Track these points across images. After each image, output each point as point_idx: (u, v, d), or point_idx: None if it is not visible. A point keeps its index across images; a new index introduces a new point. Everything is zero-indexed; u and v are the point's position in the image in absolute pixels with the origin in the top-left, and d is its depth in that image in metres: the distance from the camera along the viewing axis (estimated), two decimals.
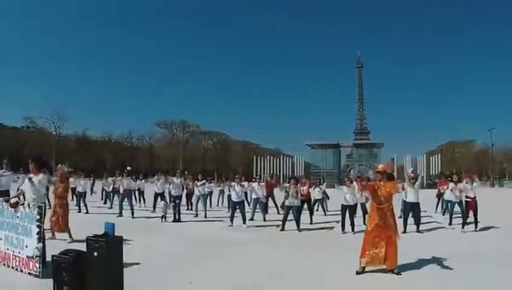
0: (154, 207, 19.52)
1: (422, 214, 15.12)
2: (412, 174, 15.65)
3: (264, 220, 16.97)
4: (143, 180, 24.69)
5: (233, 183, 15.93)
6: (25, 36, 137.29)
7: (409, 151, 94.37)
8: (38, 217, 7.34)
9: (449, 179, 17.31)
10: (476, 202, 14.61)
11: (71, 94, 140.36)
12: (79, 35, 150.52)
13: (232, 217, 15.36)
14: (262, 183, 19.02)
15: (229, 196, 17.42)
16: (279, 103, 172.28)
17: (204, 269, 8.44)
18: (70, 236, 11.04)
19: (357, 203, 14.62)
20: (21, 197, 8.69)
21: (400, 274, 7.95)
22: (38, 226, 7.31)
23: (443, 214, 18.41)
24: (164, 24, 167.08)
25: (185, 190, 19.83)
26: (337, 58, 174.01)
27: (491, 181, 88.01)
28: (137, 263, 8.35)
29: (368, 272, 8.11)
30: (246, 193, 17.81)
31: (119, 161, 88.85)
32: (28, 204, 7.69)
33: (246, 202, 17.21)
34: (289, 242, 12.29)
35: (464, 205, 14.94)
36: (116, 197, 20.32)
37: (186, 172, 20.22)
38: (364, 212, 14.60)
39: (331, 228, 15.16)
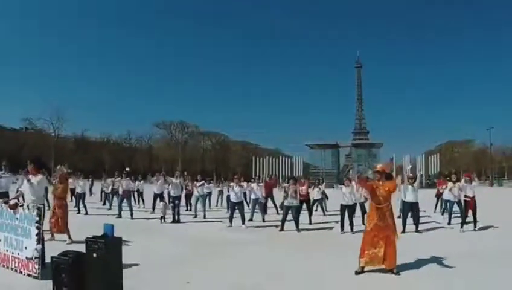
0: (154, 208, 19.53)
1: (421, 214, 15.14)
2: (411, 174, 15.68)
3: (263, 220, 16.97)
4: (142, 181, 24.67)
5: (232, 184, 15.94)
6: (24, 36, 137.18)
7: (408, 151, 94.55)
8: (37, 218, 7.34)
9: (448, 178, 17.35)
10: (475, 202, 14.62)
11: (70, 95, 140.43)
12: (79, 35, 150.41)
13: (231, 218, 15.36)
14: (261, 184, 19.02)
15: (228, 197, 17.42)
16: (278, 103, 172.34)
17: (203, 270, 8.45)
18: (70, 237, 11.03)
19: (356, 203, 14.64)
20: (20, 198, 8.69)
21: (399, 274, 7.96)
22: (37, 227, 7.31)
23: (442, 214, 18.44)
24: (164, 24, 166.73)
25: (184, 191, 19.85)
26: (336, 58, 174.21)
27: (490, 180, 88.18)
28: (137, 264, 8.36)
29: (367, 272, 8.12)
30: (244, 194, 17.80)
31: (118, 162, 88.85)
32: (27, 205, 7.70)
33: (245, 202, 17.21)
34: (288, 242, 12.30)
35: (462, 204, 14.96)
36: (115, 198, 20.31)
37: (185, 173, 20.22)
38: (363, 212, 14.63)
39: (330, 228, 15.17)
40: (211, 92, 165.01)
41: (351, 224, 13.78)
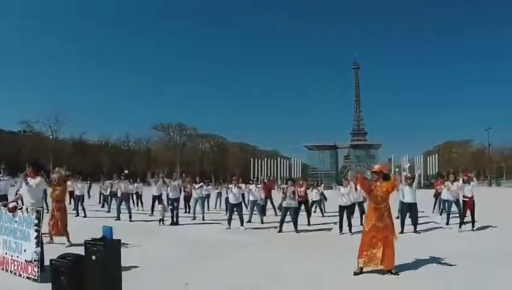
0: (152, 210, 19.52)
1: (419, 214, 15.15)
2: (409, 174, 15.70)
3: (262, 222, 16.97)
4: (141, 184, 24.67)
5: (230, 186, 15.96)
6: (24, 36, 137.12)
7: (406, 151, 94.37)
8: (36, 221, 7.35)
9: (446, 178, 17.38)
10: (474, 202, 14.66)
11: (68, 97, 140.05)
12: (79, 35, 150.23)
13: (229, 220, 15.38)
14: (259, 185, 19.05)
15: (227, 199, 17.45)
16: (276, 104, 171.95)
17: (202, 272, 8.46)
18: (69, 240, 11.02)
19: (354, 204, 14.67)
20: (19, 201, 8.70)
21: (398, 274, 7.98)
22: (36, 230, 7.32)
23: (440, 214, 18.46)
24: (164, 24, 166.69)
25: (182, 193, 19.86)
26: (334, 59, 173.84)
27: (489, 180, 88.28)
28: (136, 267, 8.36)
29: (365, 272, 8.14)
30: (243, 195, 17.82)
31: (117, 165, 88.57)
32: (26, 209, 7.70)
33: (243, 204, 17.22)
34: (287, 244, 12.32)
35: (460, 204, 15.01)
36: (113, 201, 20.30)
37: (184, 175, 20.24)
38: (362, 212, 14.63)
39: (329, 229, 15.18)
40: (208, 93, 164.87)
41: (350, 225, 13.81)
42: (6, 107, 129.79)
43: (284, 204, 14.61)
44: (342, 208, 13.98)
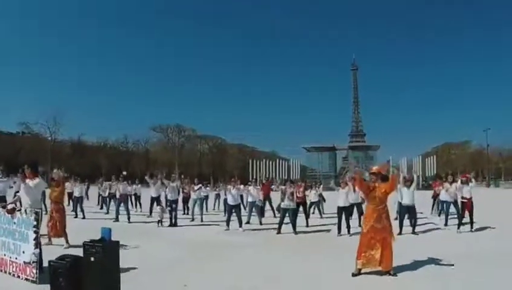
0: (151, 212, 19.52)
1: (418, 215, 15.13)
2: (408, 175, 15.72)
3: (260, 223, 16.98)
4: (139, 185, 24.64)
5: (229, 187, 15.96)
6: (24, 37, 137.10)
7: (405, 153, 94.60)
8: (35, 222, 7.34)
9: (444, 180, 17.40)
10: (472, 203, 14.68)
11: (67, 97, 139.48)
12: (78, 35, 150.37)
13: (228, 221, 15.38)
14: (258, 187, 19.06)
15: (225, 200, 17.47)
16: (274, 105, 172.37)
17: (200, 273, 8.46)
18: (67, 241, 11.01)
19: (353, 205, 14.68)
20: (18, 203, 8.69)
21: (396, 275, 7.99)
22: (35, 232, 7.31)
23: (439, 215, 18.46)
24: (164, 24, 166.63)
25: (181, 194, 19.87)
26: (333, 60, 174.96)
27: (487, 182, 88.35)
28: (134, 268, 8.36)
29: (363, 274, 8.15)
30: (241, 197, 17.82)
31: (115, 166, 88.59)
32: (25, 210, 7.70)
33: (242, 205, 17.22)
34: (285, 245, 12.32)
35: (459, 205, 15.04)
36: (112, 202, 20.30)
37: (182, 176, 20.22)
38: (361, 213, 14.64)
39: (327, 230, 15.17)
40: (207, 94, 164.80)
41: (348, 226, 13.82)
42: (5, 108, 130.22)
43: (283, 205, 14.62)
44: (340, 209, 13.99)
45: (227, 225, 15.31)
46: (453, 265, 8.99)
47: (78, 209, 19.32)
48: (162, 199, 18.90)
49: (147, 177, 18.89)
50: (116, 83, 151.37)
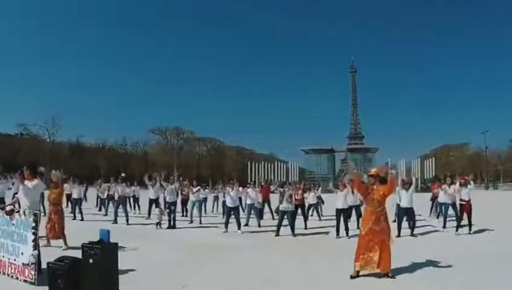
0: (149, 214, 19.52)
1: (416, 217, 15.13)
2: (406, 178, 15.73)
3: (259, 225, 16.97)
4: (138, 187, 24.62)
5: (228, 188, 15.96)
6: (23, 37, 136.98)
7: (403, 155, 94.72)
8: (33, 224, 7.35)
9: (442, 182, 17.43)
10: (471, 205, 14.69)
11: (66, 99, 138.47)
12: (78, 35, 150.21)
13: (226, 223, 15.37)
14: (256, 189, 19.06)
15: (224, 202, 17.46)
16: (273, 107, 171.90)
17: (199, 275, 8.47)
18: (66, 243, 11.02)
19: (351, 207, 14.69)
20: (16, 204, 8.70)
21: (395, 278, 8.00)
22: (34, 233, 7.31)
23: (437, 218, 18.46)
24: (164, 25, 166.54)
25: (179, 196, 19.86)
26: (333, 61, 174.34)
27: (485, 184, 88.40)
28: (133, 270, 8.37)
29: (362, 276, 8.16)
30: (240, 199, 17.81)
31: (114, 168, 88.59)
32: (24, 211, 7.70)
33: (240, 207, 17.23)
34: (284, 247, 12.33)
35: (457, 207, 15.06)
36: (111, 204, 20.30)
37: (181, 178, 20.21)
38: (359, 215, 14.65)
39: (326, 233, 15.18)
40: (205, 96, 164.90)
41: (347, 228, 13.81)
42: (4, 109, 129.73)
43: (281, 208, 14.62)
44: (338, 212, 13.99)
45: (226, 227, 15.30)
46: (449, 264, 9.04)
47: (77, 211, 19.31)
48: (161, 201, 18.88)
49: (146, 179, 18.87)
50: (115, 84, 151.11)
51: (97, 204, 24.24)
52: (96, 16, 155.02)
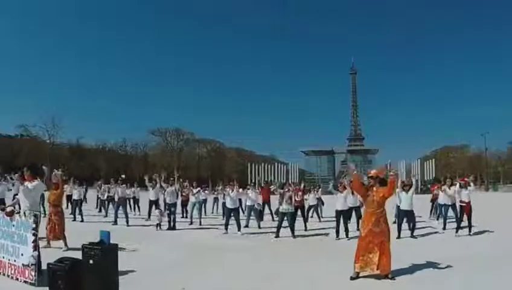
0: (149, 215, 19.52)
1: (416, 219, 15.11)
2: (407, 179, 15.73)
3: (259, 227, 16.97)
4: (138, 188, 24.62)
5: (228, 189, 15.95)
6: (22, 38, 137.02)
7: (404, 156, 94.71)
8: (34, 225, 7.35)
9: (442, 184, 17.42)
10: (471, 207, 14.69)
11: (66, 100, 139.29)
12: (78, 37, 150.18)
13: (226, 224, 15.35)
14: (256, 191, 19.06)
15: (224, 204, 17.45)
16: (273, 109, 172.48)
17: (199, 276, 8.49)
18: (66, 244, 11.02)
19: (351, 208, 14.68)
20: (16, 206, 8.70)
21: (394, 279, 8.00)
22: (34, 234, 7.32)
23: (437, 219, 18.47)
24: (163, 25, 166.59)
25: (179, 198, 19.86)
26: (333, 63, 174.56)
27: (486, 185, 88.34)
28: (133, 271, 8.37)
29: (362, 277, 8.16)
30: (240, 200, 17.81)
31: (114, 169, 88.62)
32: (24, 212, 7.71)
33: (240, 209, 17.23)
34: (284, 248, 12.34)
35: (457, 208, 15.06)
36: (110, 205, 20.31)
37: (181, 179, 20.20)
38: (359, 217, 14.64)
39: (326, 234, 15.17)
40: (205, 98, 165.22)
41: (346, 230, 13.80)
42: (3, 110, 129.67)
43: (281, 209, 14.61)
44: (338, 213, 13.98)
45: (226, 228, 15.29)
46: (449, 266, 9.06)
47: (77, 212, 19.31)
48: (161, 202, 18.88)
49: (146, 181, 18.86)
50: (115, 85, 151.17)
51: (97, 205, 24.25)
52: (96, 17, 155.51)
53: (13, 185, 15.69)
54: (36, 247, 7.31)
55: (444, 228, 15.68)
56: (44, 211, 14.63)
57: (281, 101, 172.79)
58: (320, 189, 22.68)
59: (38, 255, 7.35)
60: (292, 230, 14.31)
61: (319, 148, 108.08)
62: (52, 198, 11.69)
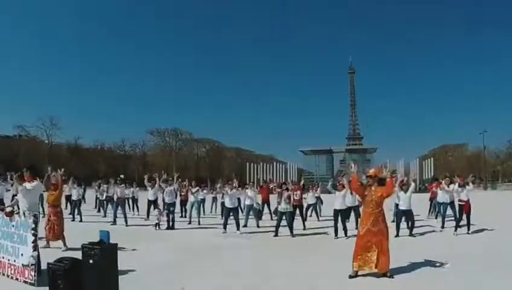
0: (148, 215, 19.52)
1: (415, 218, 15.13)
2: (405, 177, 15.74)
3: (258, 226, 17.00)
4: (137, 188, 24.63)
5: (226, 188, 15.96)
6: (22, 38, 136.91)
7: (402, 155, 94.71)
8: (33, 225, 7.37)
9: (440, 183, 17.43)
10: (470, 205, 14.72)
11: (64, 100, 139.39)
12: (77, 36, 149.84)
13: (225, 224, 15.35)
14: (255, 190, 19.06)
15: (223, 203, 17.46)
16: (272, 108, 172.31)
17: (198, 275, 8.50)
18: (65, 244, 11.03)
19: (350, 208, 14.69)
20: (15, 207, 8.71)
21: (393, 277, 8.02)
22: (33, 234, 7.33)
23: (435, 218, 18.51)
24: (163, 25, 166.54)
25: (178, 197, 19.86)
26: (331, 63, 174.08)
27: (484, 184, 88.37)
28: (132, 270, 8.40)
29: (361, 275, 8.19)
30: (239, 200, 17.82)
31: (112, 169, 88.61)
32: (24, 213, 7.72)
33: (239, 208, 17.24)
34: (283, 247, 12.36)
35: (455, 207, 15.09)
36: (109, 206, 20.31)
37: (179, 179, 20.20)
38: (358, 216, 14.66)
39: (325, 233, 15.20)
40: (203, 98, 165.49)
41: (345, 229, 13.84)
42: (1, 111, 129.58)
43: (280, 209, 14.63)
44: (336, 212, 14.01)
45: (225, 227, 15.30)
46: (448, 264, 9.09)
47: (76, 212, 19.31)
48: (160, 202, 18.89)
49: (146, 180, 18.85)
50: (113, 86, 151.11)
51: (96, 205, 24.24)
52: (95, 17, 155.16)
53: (12, 185, 15.69)
54: (36, 247, 7.33)
55: (443, 227, 15.70)
56: (43, 211, 14.62)
57: (280, 101, 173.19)
58: (319, 187, 22.63)
59: (38, 255, 7.36)
60: (291, 229, 14.34)
61: (317, 148, 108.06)
62: (51, 199, 11.69)
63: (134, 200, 23.62)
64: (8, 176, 16.77)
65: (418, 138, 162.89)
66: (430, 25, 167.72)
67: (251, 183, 20.93)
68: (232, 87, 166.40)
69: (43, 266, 7.10)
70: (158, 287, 7.53)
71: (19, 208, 8.41)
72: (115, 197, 18.48)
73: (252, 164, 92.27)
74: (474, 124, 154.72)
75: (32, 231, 7.35)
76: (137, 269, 8.63)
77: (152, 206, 19.28)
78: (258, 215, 17.98)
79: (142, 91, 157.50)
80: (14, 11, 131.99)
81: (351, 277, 8.13)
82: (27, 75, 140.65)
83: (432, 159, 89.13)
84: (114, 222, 17.36)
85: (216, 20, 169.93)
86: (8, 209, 8.08)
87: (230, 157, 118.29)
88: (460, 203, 14.85)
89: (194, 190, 19.31)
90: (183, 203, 20.95)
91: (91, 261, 6.17)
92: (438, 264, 9.20)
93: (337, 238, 13.72)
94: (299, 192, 16.50)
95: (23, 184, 8.63)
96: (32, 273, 7.17)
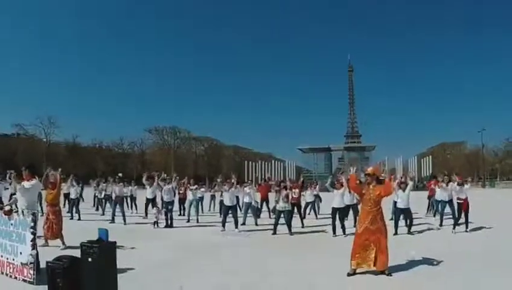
0: (146, 213, 19.51)
1: (413, 215, 15.15)
2: (403, 176, 15.75)
3: (256, 224, 17.00)
4: (135, 187, 24.62)
5: (225, 187, 15.95)
6: (21, 38, 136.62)
7: (401, 153, 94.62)
8: (32, 224, 7.37)
9: (440, 180, 17.45)
10: (468, 203, 14.74)
11: (62, 99, 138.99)
12: (75, 36, 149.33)
13: (224, 222, 15.36)
14: (253, 188, 19.06)
15: (221, 201, 17.46)
16: (270, 106, 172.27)
17: (197, 273, 8.51)
18: (63, 243, 11.04)
19: (348, 206, 14.69)
20: (13, 205, 8.70)
21: (391, 275, 8.04)
22: (32, 233, 7.34)
23: (434, 216, 18.54)
24: (162, 25, 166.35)
25: (177, 195, 19.86)
26: (330, 61, 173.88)
27: (483, 182, 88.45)
28: (131, 269, 8.41)
29: (359, 273, 8.21)
30: (237, 198, 17.82)
31: (111, 168, 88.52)
32: (22, 211, 7.72)
33: (238, 206, 17.24)
34: (281, 245, 12.37)
35: (454, 205, 15.11)
36: (108, 204, 20.30)
37: (177, 177, 20.18)
38: (356, 214, 14.66)
39: (323, 231, 15.19)
40: (202, 96, 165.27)
41: (343, 227, 13.86)
42: (1, 111, 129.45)
43: (278, 207, 14.63)
44: (334, 210, 14.02)
45: (223, 226, 15.31)
46: (447, 264, 9.10)
47: (74, 210, 19.30)
48: (158, 200, 18.88)
49: (144, 179, 18.84)
50: (111, 84, 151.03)
51: (94, 204, 24.23)
52: (95, 17, 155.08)
53: (10, 184, 15.66)
54: (34, 246, 7.33)
55: (441, 225, 15.70)
56: (42, 210, 14.61)
57: (278, 99, 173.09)
58: (317, 186, 22.61)
59: (37, 254, 7.37)
60: (289, 227, 14.35)
61: (316, 146, 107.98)
62: (50, 197, 11.68)
63: (133, 199, 23.58)
64: (7, 175, 16.73)
65: (417, 136, 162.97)
66: (429, 24, 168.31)
67: (249, 182, 20.95)
68: (232, 86, 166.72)
69: (42, 265, 7.09)
70: (156, 285, 7.54)
71: (17, 207, 8.40)
72: (113, 196, 18.47)
73: (250, 162, 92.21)
74: (472, 123, 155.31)
75: (31, 230, 7.35)
76: (136, 267, 8.64)
77: (150, 205, 19.26)
78: (257, 213, 18.00)
79: (142, 91, 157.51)
80: (14, 11, 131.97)
81: (349, 274, 8.15)
82: (27, 74, 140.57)
83: (430, 157, 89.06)
84: (112, 220, 17.35)
85: (216, 19, 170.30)
86: (7, 208, 8.08)
87: (229, 155, 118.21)
88: (458, 201, 14.88)
89: (193, 188, 19.31)
90: (182, 201, 20.94)
91: (90, 259, 6.17)
92: (436, 263, 9.21)
93: (336, 236, 13.75)
94: (297, 190, 16.49)
95: (22, 183, 8.63)
96: (31, 272, 7.17)
